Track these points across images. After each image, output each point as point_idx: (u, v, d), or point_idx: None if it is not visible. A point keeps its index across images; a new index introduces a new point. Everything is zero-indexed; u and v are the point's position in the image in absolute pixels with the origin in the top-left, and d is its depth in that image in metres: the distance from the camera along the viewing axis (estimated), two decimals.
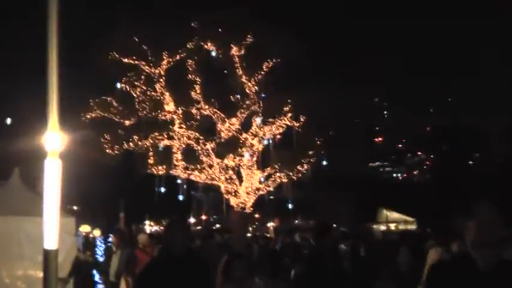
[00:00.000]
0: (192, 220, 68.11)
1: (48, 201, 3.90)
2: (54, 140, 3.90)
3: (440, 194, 70.44)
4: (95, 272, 22.36)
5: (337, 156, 47.39)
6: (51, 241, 4.03)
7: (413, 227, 67.02)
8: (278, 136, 34.13)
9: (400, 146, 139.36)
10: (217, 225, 72.49)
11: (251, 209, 34.11)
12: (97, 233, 29.73)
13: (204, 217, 75.84)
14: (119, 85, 32.23)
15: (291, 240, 31.42)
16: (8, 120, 52.54)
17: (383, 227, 66.98)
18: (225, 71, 33.50)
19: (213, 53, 32.87)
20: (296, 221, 72.62)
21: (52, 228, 4.03)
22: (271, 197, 47.40)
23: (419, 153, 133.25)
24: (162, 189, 35.87)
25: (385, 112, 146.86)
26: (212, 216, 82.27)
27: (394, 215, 71.31)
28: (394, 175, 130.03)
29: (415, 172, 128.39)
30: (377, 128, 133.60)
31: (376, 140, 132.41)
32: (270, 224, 65.80)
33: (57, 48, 3.85)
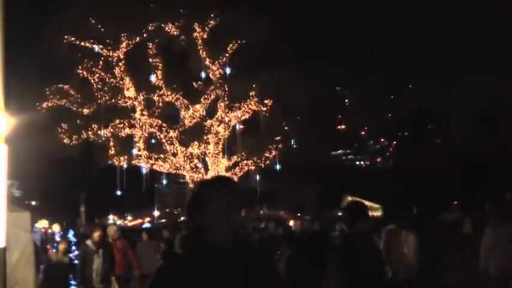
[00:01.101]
0: (156, 213, 66.56)
1: None
2: None
3: (403, 179, 70.09)
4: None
5: (303, 143, 46.32)
6: None
7: (378, 213, 66.31)
8: (243, 122, 32.71)
9: (362, 133, 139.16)
10: (182, 218, 71.23)
11: None
12: (56, 228, 28.13)
13: (167, 210, 74.27)
14: (75, 71, 30.49)
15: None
16: None
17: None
18: (187, 55, 31.89)
19: (174, 35, 31.24)
20: (261, 211, 71.60)
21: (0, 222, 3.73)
22: None
23: (381, 139, 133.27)
24: (124, 181, 34.11)
25: (346, 100, 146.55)
26: (177, 208, 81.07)
27: None
28: (357, 163, 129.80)
29: (378, 159, 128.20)
30: (339, 116, 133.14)
31: (338, 127, 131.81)
32: None
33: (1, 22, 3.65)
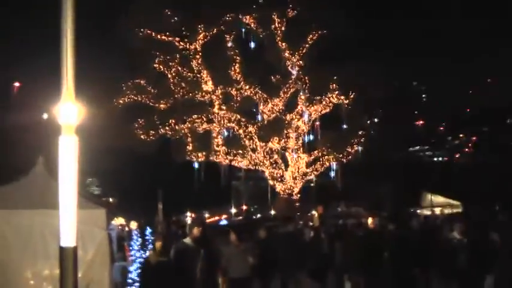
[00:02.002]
0: (233, 210, 66.10)
1: (63, 187, 3.33)
2: (68, 112, 3.37)
3: (483, 176, 68.20)
4: None
5: (382, 138, 45.05)
6: (67, 236, 3.40)
7: (459, 210, 64.53)
8: (324, 116, 31.68)
9: (440, 128, 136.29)
10: (259, 215, 70.68)
11: (298, 195, 31.83)
12: (133, 225, 27.61)
13: (244, 207, 73.81)
14: (151, 65, 29.86)
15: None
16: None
17: (427, 212, 64.60)
18: (265, 47, 30.95)
19: (252, 27, 30.32)
20: (339, 208, 70.54)
21: (69, 220, 3.37)
22: (312, 184, 45.05)
23: (460, 135, 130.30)
24: (202, 178, 33.39)
25: (424, 96, 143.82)
26: (253, 206, 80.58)
27: (439, 198, 68.83)
28: (435, 159, 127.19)
29: (456, 155, 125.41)
30: (416, 112, 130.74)
31: (416, 123, 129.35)
32: (313, 212, 63.64)
33: (72, 8, 3.45)
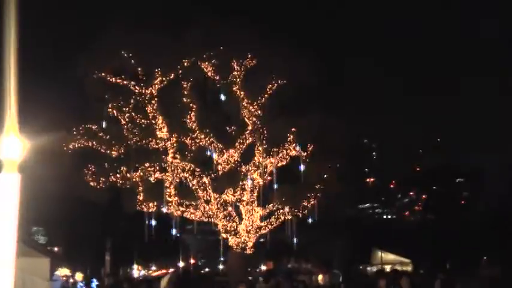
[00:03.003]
0: (181, 264, 64.82)
1: (1, 231, 2.70)
2: (11, 145, 2.80)
3: (433, 234, 68.31)
4: None
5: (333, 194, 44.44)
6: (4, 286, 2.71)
7: (409, 268, 64.28)
8: (279, 169, 30.88)
9: (391, 186, 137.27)
10: (207, 269, 69.47)
11: (252, 249, 30.82)
12: (79, 277, 26.42)
13: (192, 261, 72.72)
14: (104, 109, 28.80)
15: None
16: None
17: (377, 269, 64.14)
18: (223, 96, 30.17)
19: (210, 74, 29.52)
20: (289, 264, 69.70)
21: (6, 268, 2.70)
22: (261, 239, 44.27)
23: (410, 193, 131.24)
24: (152, 229, 32.16)
25: (374, 153, 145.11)
26: (200, 259, 79.63)
27: (390, 256, 68.59)
28: (384, 216, 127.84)
29: (405, 213, 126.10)
30: (366, 170, 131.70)
31: (366, 180, 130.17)
32: (263, 268, 62.91)
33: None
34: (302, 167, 29.91)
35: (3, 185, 2.89)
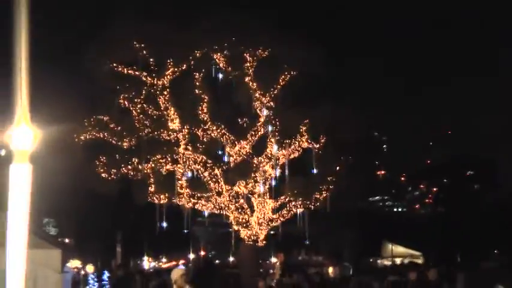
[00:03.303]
0: (191, 256, 64.87)
1: (13, 221, 2.70)
2: (22, 136, 2.79)
3: (443, 226, 68.10)
4: None
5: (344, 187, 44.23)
6: (15, 279, 2.70)
7: (419, 261, 64.12)
8: (292, 160, 30.68)
9: (401, 179, 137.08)
10: (217, 261, 69.57)
11: (264, 242, 30.67)
12: (90, 269, 26.32)
13: (202, 253, 72.81)
14: (116, 100, 28.65)
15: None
16: None
17: (387, 262, 64.13)
18: (235, 87, 29.99)
19: (222, 65, 29.33)
20: (300, 257, 69.59)
21: (18, 259, 2.69)
22: (272, 232, 44.20)
23: (421, 186, 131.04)
24: (163, 221, 32.05)
25: (384, 146, 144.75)
26: (210, 251, 79.72)
27: (400, 249, 68.46)
28: (395, 209, 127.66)
29: (416, 206, 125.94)
30: (376, 162, 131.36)
31: (377, 173, 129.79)
32: (274, 260, 62.70)
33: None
34: (314, 159, 29.69)
35: (14, 176, 2.86)
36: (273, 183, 30.68)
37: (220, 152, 30.35)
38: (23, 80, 3.01)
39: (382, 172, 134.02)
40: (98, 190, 29.74)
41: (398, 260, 65.76)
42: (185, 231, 38.37)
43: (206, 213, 32.70)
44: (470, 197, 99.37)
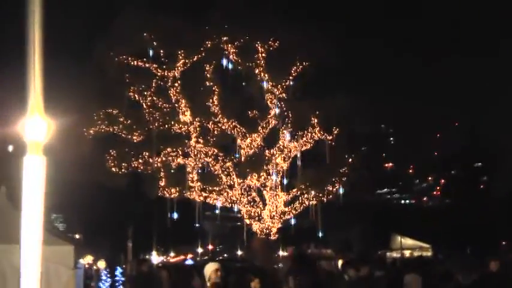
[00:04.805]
0: (199, 250, 64.79)
1: (27, 216, 2.55)
2: (36, 127, 2.63)
3: (452, 219, 67.91)
4: None
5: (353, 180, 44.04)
6: (30, 275, 2.56)
7: (428, 253, 63.87)
8: (304, 152, 30.37)
9: (409, 171, 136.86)
10: (225, 255, 69.52)
11: (276, 235, 30.35)
12: (102, 264, 26.04)
13: (210, 247, 72.87)
14: (125, 93, 28.28)
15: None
16: None
17: (396, 254, 63.91)
18: (247, 79, 29.65)
19: (233, 56, 28.99)
20: (309, 250, 69.48)
21: (32, 256, 2.57)
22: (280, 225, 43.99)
23: (429, 178, 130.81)
24: (173, 215, 31.72)
25: (391, 138, 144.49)
26: (218, 246, 79.75)
27: (409, 241, 68.24)
28: (402, 201, 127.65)
29: (424, 198, 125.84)
30: (384, 155, 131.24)
31: (384, 165, 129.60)
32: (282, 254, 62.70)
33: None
34: (327, 151, 29.35)
35: (28, 168, 2.70)
36: (285, 175, 30.32)
37: (231, 145, 30.01)
38: (36, 69, 2.86)
39: (390, 164, 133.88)
40: (108, 184, 29.43)
41: (407, 253, 65.63)
42: (196, 225, 37.91)
43: (216, 207, 32.32)
44: (478, 188, 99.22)
